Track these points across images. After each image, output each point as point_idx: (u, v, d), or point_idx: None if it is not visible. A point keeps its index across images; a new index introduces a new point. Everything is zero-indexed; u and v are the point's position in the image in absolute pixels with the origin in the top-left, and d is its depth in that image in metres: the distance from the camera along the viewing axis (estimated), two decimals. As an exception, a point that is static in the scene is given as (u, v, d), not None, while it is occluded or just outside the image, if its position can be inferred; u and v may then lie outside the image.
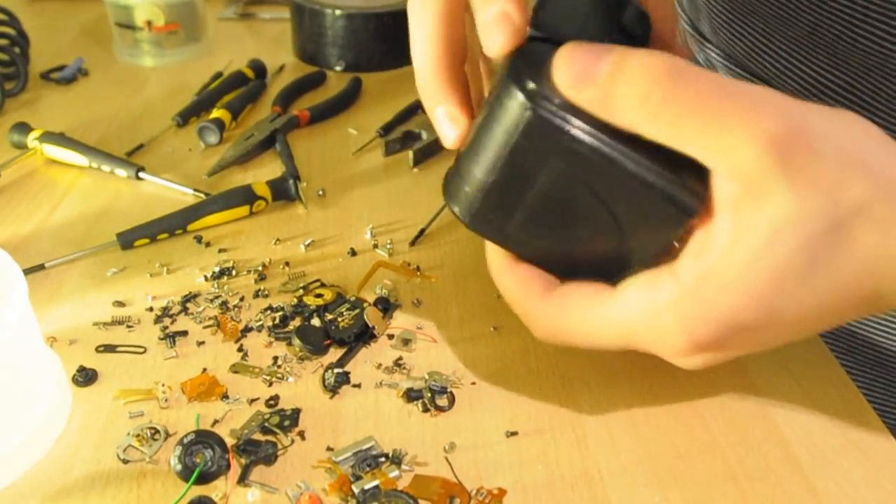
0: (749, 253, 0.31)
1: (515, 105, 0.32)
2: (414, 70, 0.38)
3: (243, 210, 0.59)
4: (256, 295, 0.51)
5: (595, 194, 0.33)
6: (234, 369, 0.45)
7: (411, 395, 0.44)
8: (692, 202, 0.32)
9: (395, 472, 0.39)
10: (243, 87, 0.80)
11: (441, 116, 0.37)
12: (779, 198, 0.30)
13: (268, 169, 0.67)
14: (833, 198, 0.30)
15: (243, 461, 0.39)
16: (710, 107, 0.30)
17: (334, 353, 0.47)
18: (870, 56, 0.48)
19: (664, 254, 0.34)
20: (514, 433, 0.42)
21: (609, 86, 0.31)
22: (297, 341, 0.46)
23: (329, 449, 0.40)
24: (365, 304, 0.49)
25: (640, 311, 0.34)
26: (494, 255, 0.38)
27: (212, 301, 0.51)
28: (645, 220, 0.33)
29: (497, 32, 0.33)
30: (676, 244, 0.33)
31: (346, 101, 0.79)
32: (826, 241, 0.30)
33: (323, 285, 0.52)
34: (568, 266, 0.36)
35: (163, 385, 0.44)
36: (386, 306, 0.50)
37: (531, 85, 0.31)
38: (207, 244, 0.57)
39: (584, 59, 0.31)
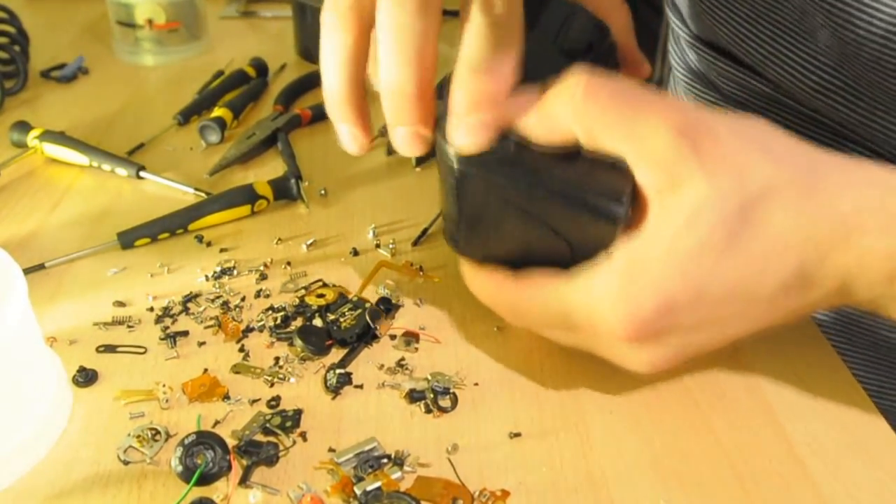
0: (671, 232, 0.34)
1: (449, 160, 0.37)
2: (322, 87, 0.41)
3: (245, 209, 0.59)
4: (258, 295, 0.51)
5: (533, 217, 0.37)
6: (236, 370, 0.45)
7: (414, 396, 0.43)
8: (615, 208, 0.35)
9: (398, 474, 0.39)
10: (245, 85, 0.80)
11: (344, 132, 0.42)
12: (693, 181, 0.33)
13: (269, 168, 0.67)
14: (741, 179, 0.34)
15: (244, 462, 0.39)
16: (626, 107, 0.34)
17: (336, 354, 0.46)
18: (861, 45, 0.48)
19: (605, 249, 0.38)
20: (517, 434, 0.41)
21: (548, 99, 0.36)
22: (298, 342, 0.46)
23: (331, 450, 0.40)
24: (367, 305, 0.49)
25: (577, 287, 0.37)
26: (466, 265, 0.43)
27: (213, 301, 0.50)
28: (582, 229, 0.37)
29: (409, 148, 0.39)
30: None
31: (347, 99, 0.78)
32: (739, 218, 0.34)
33: (325, 285, 0.52)
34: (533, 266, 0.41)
35: (163, 385, 0.43)
36: (388, 306, 0.49)
37: (453, 149, 0.37)
38: (208, 244, 0.57)
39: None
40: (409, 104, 0.37)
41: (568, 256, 0.38)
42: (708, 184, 0.33)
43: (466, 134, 0.36)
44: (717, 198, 0.33)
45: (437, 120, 0.38)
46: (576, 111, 0.35)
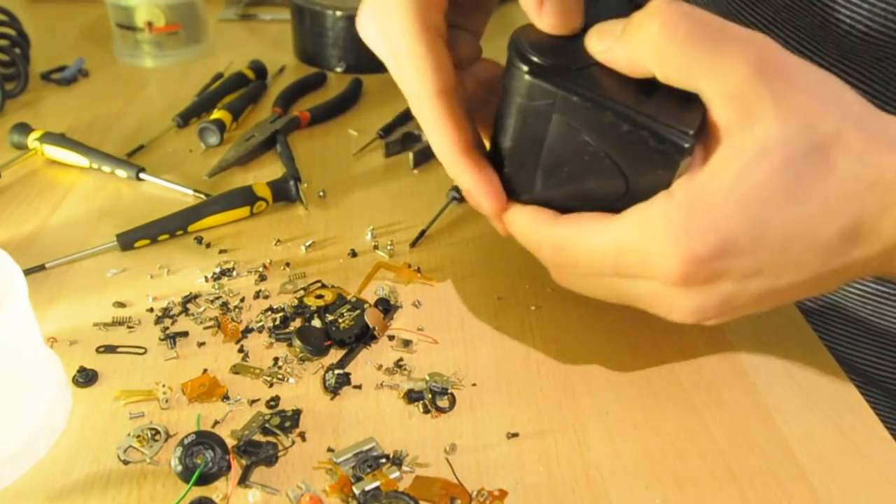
0: (737, 169, 0.33)
1: (519, 74, 0.36)
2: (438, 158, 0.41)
3: (244, 211, 0.59)
4: (257, 296, 0.51)
5: (596, 144, 0.36)
6: (235, 370, 0.45)
7: (412, 397, 0.44)
8: (682, 140, 0.34)
9: (396, 474, 0.39)
10: (244, 88, 0.80)
11: (474, 194, 0.40)
12: (765, 120, 0.33)
13: (268, 170, 0.67)
14: (812, 123, 0.33)
15: (244, 462, 0.39)
16: (707, 40, 0.33)
17: (335, 355, 0.47)
18: (881, 48, 0.48)
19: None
20: (514, 434, 0.42)
21: (626, 34, 0.35)
22: (297, 342, 0.46)
23: (330, 450, 0.40)
24: (366, 306, 0.49)
25: (634, 222, 0.36)
26: (508, 204, 0.40)
27: (212, 302, 0.51)
28: (643, 162, 0.35)
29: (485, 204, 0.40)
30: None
31: (346, 102, 0.79)
32: (806, 161, 0.33)
33: (323, 286, 0.52)
34: (581, 210, 0.39)
35: (163, 386, 0.44)
36: (386, 307, 0.50)
37: (531, 55, 0.36)
38: (208, 245, 0.57)
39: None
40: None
41: (622, 197, 0.37)
42: (779, 123, 0.33)
43: (552, 12, 0.36)
44: (787, 138, 0.33)
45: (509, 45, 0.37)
46: (653, 46, 0.34)
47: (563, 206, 0.39)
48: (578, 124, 0.36)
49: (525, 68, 0.36)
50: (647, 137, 0.35)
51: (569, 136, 0.36)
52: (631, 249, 0.36)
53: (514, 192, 0.40)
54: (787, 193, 0.33)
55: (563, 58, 0.36)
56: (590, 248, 0.37)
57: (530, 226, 0.40)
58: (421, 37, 0.39)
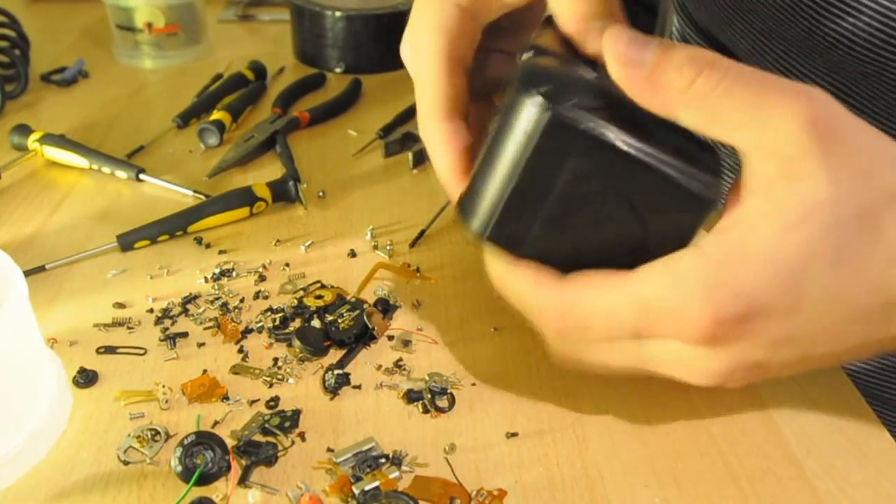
0: (779, 228, 0.31)
1: (533, 108, 0.32)
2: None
3: (243, 211, 0.60)
4: (257, 296, 0.52)
5: (616, 190, 0.33)
6: (235, 370, 0.45)
7: (411, 397, 0.44)
8: (710, 193, 0.32)
9: (396, 473, 0.39)
10: (243, 88, 0.80)
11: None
12: (814, 178, 0.30)
13: (268, 170, 0.67)
14: (867, 184, 0.30)
15: (244, 462, 0.39)
16: (750, 91, 0.30)
17: (334, 355, 0.47)
18: (866, 63, 0.48)
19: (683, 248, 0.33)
20: (514, 434, 0.42)
21: (656, 71, 0.31)
22: (297, 342, 0.46)
23: (329, 450, 0.41)
24: (365, 306, 0.49)
25: (659, 278, 0.33)
26: (497, 260, 0.37)
27: (212, 302, 0.51)
28: (668, 213, 0.33)
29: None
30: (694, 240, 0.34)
31: (345, 102, 0.79)
32: (857, 225, 0.31)
33: (323, 286, 0.52)
34: (585, 266, 0.35)
35: (163, 386, 0.44)
36: (386, 307, 0.50)
37: (545, 87, 0.32)
38: (208, 245, 0.57)
39: (633, 43, 0.32)
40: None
41: (635, 251, 0.33)
42: (828, 182, 0.30)
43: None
44: (836, 199, 0.30)
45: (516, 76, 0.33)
46: (692, 95, 0.31)
47: (562, 261, 0.35)
48: (602, 169, 0.32)
49: (541, 101, 0.31)
50: (676, 188, 0.32)
51: (586, 181, 0.33)
52: (655, 307, 0.33)
53: (504, 243, 0.35)
54: (831, 258, 0.31)
55: (581, 91, 0.32)
56: (606, 308, 0.34)
57: (531, 288, 0.36)
58: (442, 65, 0.39)
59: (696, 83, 0.31)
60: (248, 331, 0.48)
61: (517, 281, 0.36)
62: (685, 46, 0.32)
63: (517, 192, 0.33)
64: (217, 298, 0.51)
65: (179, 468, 0.38)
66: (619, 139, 0.32)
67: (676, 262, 0.32)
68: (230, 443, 0.40)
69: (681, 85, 0.31)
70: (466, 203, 0.36)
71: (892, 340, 0.34)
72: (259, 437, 0.41)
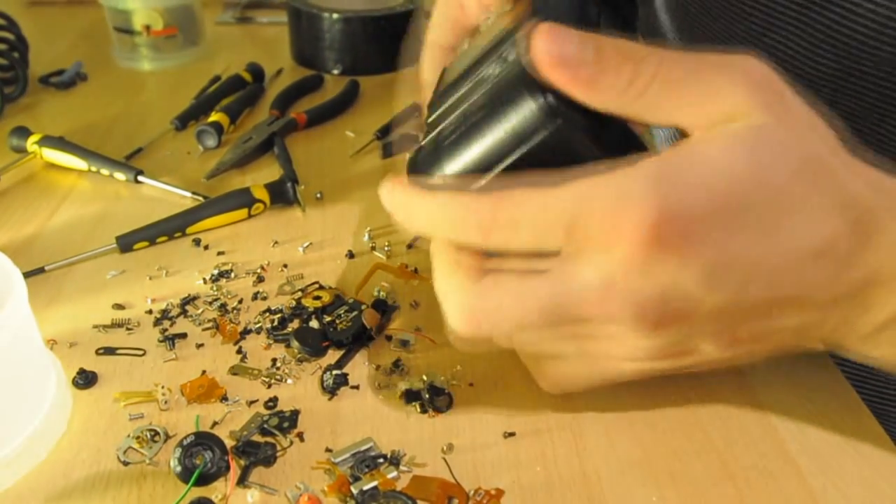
0: (731, 147, 0.30)
1: (536, 114, 0.32)
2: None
3: (241, 213, 0.60)
4: (255, 297, 0.52)
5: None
6: (233, 371, 0.46)
7: (409, 397, 0.44)
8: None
9: (394, 473, 0.39)
10: (241, 90, 0.80)
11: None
12: (765, 121, 0.30)
13: (266, 172, 0.68)
14: (812, 133, 0.31)
15: (243, 462, 0.39)
16: (688, 75, 0.30)
17: (333, 355, 0.47)
18: (835, 84, 0.48)
19: None
20: (511, 434, 0.42)
21: (595, 74, 0.30)
22: (295, 343, 0.46)
23: (328, 450, 0.41)
24: (363, 306, 0.49)
25: (604, 175, 0.30)
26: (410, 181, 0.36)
27: (211, 303, 0.51)
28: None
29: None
30: None
31: (343, 104, 0.79)
32: (803, 167, 0.30)
33: (321, 287, 0.52)
34: None
35: (162, 387, 0.44)
36: (384, 308, 0.50)
37: (552, 98, 0.31)
38: (206, 247, 0.57)
39: (567, 42, 0.30)
40: None
41: None
42: (778, 125, 0.30)
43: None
44: (787, 140, 0.30)
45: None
46: (633, 93, 0.31)
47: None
48: (561, 158, 0.32)
49: (548, 110, 0.31)
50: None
51: (538, 159, 0.32)
52: (596, 198, 0.30)
53: (419, 167, 0.35)
54: (774, 191, 0.30)
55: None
56: (540, 201, 0.31)
57: (452, 197, 0.33)
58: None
59: (635, 82, 0.30)
60: (246, 332, 0.49)
61: (436, 195, 0.33)
62: (612, 40, 0.31)
63: (476, 166, 0.34)
64: (216, 299, 0.51)
65: (179, 468, 0.38)
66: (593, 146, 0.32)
67: (624, 161, 0.31)
68: (229, 443, 0.40)
69: (621, 86, 0.30)
70: (423, 153, 0.36)
71: (824, 321, 0.33)
72: (258, 438, 0.41)
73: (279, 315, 0.50)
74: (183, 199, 0.63)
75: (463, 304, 0.34)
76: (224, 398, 0.44)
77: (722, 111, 0.30)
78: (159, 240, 0.57)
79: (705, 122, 0.31)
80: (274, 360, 0.46)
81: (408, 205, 0.35)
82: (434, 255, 0.36)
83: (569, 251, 0.31)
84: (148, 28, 0.87)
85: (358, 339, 0.47)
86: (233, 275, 0.54)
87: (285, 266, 0.55)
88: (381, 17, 0.84)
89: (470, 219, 0.32)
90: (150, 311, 0.50)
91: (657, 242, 0.29)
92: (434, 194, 0.33)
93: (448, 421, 0.43)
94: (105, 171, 0.65)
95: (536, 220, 0.31)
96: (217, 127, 0.71)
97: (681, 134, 0.32)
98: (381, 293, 0.52)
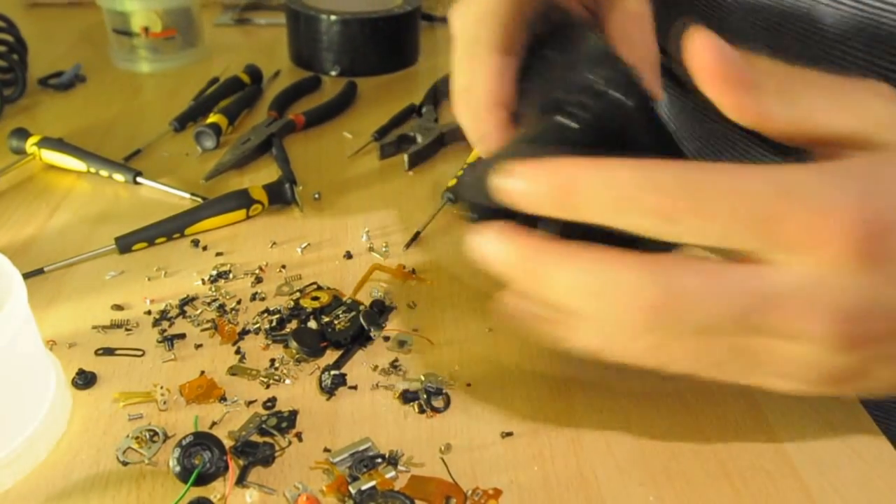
0: None
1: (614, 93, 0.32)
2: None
3: (240, 214, 0.60)
4: (253, 298, 0.52)
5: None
6: (232, 371, 0.46)
7: (407, 397, 0.44)
8: None
9: (392, 473, 0.39)
10: (239, 92, 0.80)
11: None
12: None
13: (264, 173, 0.68)
14: None
15: (241, 462, 0.40)
16: (830, 87, 0.29)
17: (331, 356, 0.47)
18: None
19: None
20: (509, 434, 0.42)
21: (762, 99, 0.29)
22: (293, 344, 0.46)
23: (326, 450, 0.41)
24: (361, 307, 0.49)
25: (807, 167, 0.27)
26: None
27: (209, 304, 0.51)
28: None
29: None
30: None
31: (341, 105, 0.79)
32: None
33: (319, 288, 0.53)
34: None
35: (161, 387, 0.44)
36: (382, 308, 0.50)
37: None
38: (204, 248, 0.57)
39: (734, 62, 0.28)
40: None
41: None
42: None
43: None
44: None
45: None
46: (787, 115, 0.29)
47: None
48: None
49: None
50: None
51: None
52: (798, 191, 0.26)
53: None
54: None
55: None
56: (738, 187, 0.27)
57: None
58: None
59: (796, 104, 0.28)
60: (245, 332, 0.49)
61: (609, 165, 0.28)
62: (762, 60, 0.30)
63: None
64: (214, 300, 0.51)
65: (178, 468, 0.38)
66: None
67: (823, 161, 0.28)
68: (228, 443, 0.40)
69: (781, 110, 0.28)
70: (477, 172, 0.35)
71: None
72: (256, 438, 0.41)
73: (277, 315, 0.50)
74: (181, 200, 0.63)
75: (645, 284, 0.28)
76: (223, 398, 0.44)
77: (878, 121, 0.28)
78: (158, 241, 0.57)
79: (864, 129, 0.28)
80: (272, 361, 0.47)
81: (574, 178, 0.29)
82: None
83: (764, 249, 0.27)
84: (146, 30, 0.87)
85: (356, 339, 0.48)
86: (231, 275, 0.54)
87: (283, 267, 0.55)
88: (378, 18, 0.84)
89: (647, 200, 0.27)
90: (149, 312, 0.50)
91: (869, 252, 0.26)
92: (606, 164, 0.28)
93: (446, 421, 0.43)
94: (104, 173, 0.65)
95: (735, 210, 0.26)
96: (215, 128, 0.71)
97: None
98: (379, 294, 0.52)
